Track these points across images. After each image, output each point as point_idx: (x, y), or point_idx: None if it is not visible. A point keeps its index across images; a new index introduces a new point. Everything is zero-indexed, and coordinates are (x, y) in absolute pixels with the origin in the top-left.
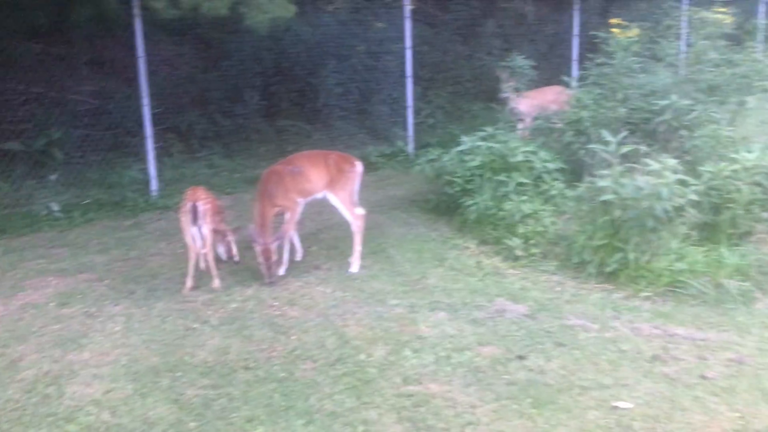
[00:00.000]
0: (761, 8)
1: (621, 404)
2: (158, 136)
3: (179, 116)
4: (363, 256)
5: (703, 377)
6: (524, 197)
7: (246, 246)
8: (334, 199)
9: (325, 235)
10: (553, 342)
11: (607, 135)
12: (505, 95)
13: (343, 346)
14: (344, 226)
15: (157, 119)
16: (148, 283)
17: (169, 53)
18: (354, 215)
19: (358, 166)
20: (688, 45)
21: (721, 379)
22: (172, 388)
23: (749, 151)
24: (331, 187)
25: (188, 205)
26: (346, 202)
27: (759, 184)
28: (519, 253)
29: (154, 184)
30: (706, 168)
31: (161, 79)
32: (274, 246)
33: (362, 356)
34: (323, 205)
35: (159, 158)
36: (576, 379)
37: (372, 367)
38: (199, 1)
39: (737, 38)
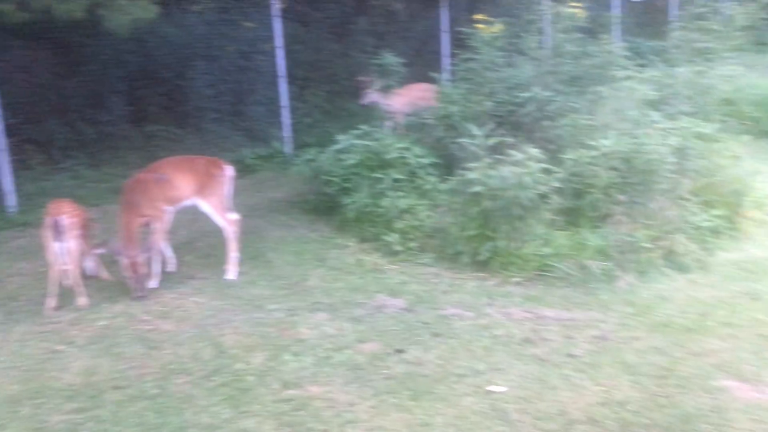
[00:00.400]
0: (615, 2)
1: (495, 388)
2: (15, 148)
3: (38, 126)
4: (241, 262)
5: (571, 355)
6: (400, 193)
7: (114, 260)
8: (205, 206)
9: (200, 243)
10: (431, 333)
11: (473, 128)
12: (367, 102)
13: (219, 357)
14: (220, 232)
15: (13, 130)
16: (6, 306)
17: (24, 59)
18: (227, 221)
19: (228, 170)
20: (549, 39)
21: (586, 356)
22: (34, 416)
23: (606, 138)
24: (201, 193)
25: (50, 220)
26: (218, 208)
27: (615, 169)
28: (397, 248)
29: (11, 200)
30: (568, 156)
31: (15, 87)
32: (142, 258)
33: (240, 365)
34: (198, 212)
35: (16, 172)
36: (452, 368)
37: (250, 375)
38: (51, 4)
39: (592, 31)
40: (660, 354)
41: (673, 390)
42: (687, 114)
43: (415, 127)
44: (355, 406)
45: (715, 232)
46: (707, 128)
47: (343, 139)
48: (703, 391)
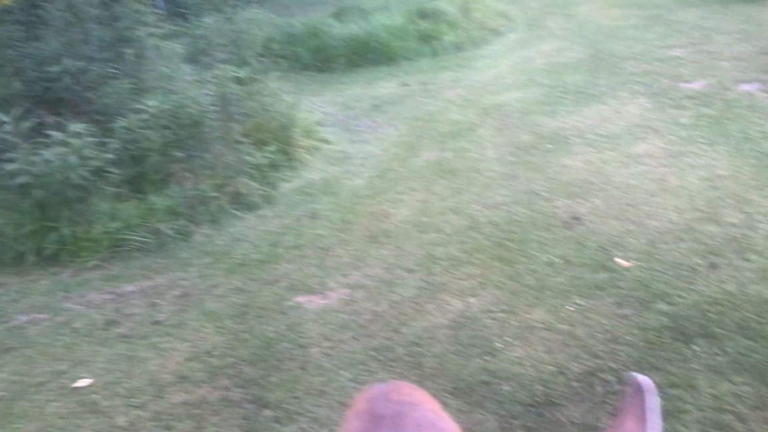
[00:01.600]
0: None
1: (80, 383)
2: None
3: None
4: None
5: (156, 322)
6: None
7: None
8: None
9: None
10: (1, 351)
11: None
12: None
13: None
14: None
15: None
16: None
17: None
18: None
19: None
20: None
21: (171, 318)
22: None
23: (150, 99)
24: None
25: None
26: None
27: (167, 128)
28: None
29: None
30: (119, 124)
31: None
32: None
33: None
34: None
35: None
36: (30, 379)
37: None
38: None
39: None
40: (239, 293)
41: (253, 323)
42: (224, 62)
43: None
44: None
45: (273, 166)
46: (242, 72)
47: None
48: (280, 313)
